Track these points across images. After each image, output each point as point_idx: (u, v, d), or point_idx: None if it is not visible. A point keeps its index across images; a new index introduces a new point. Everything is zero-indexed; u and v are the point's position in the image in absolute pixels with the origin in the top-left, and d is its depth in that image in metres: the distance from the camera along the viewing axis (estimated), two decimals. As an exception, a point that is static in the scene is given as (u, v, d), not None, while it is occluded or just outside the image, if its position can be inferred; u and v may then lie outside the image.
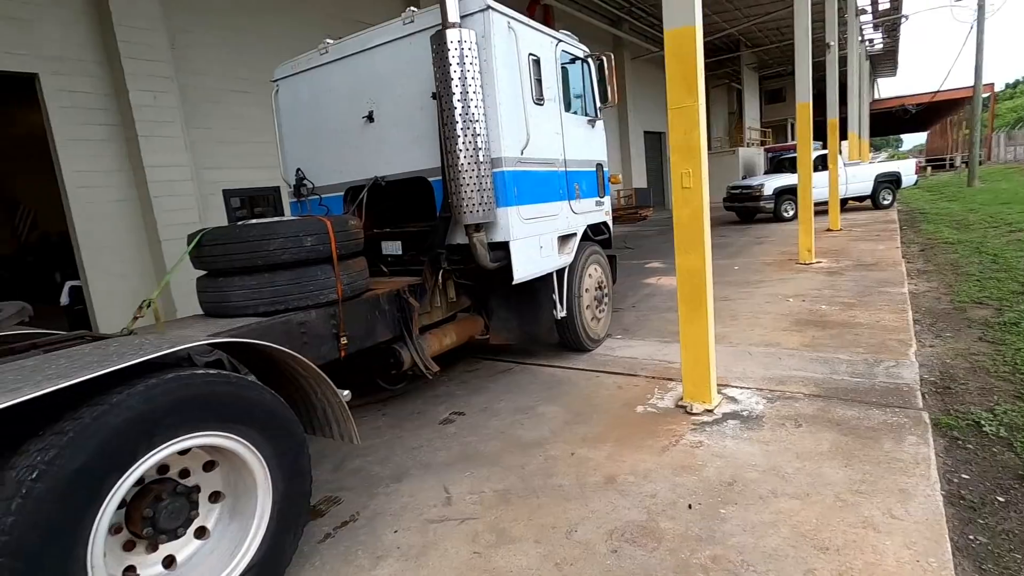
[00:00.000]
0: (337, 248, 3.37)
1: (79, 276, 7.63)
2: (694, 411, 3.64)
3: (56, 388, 1.60)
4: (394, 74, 4.07)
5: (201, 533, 2.20)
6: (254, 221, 3.31)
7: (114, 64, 7.30)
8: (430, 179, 4.04)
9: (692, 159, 3.42)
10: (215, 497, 2.24)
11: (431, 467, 3.30)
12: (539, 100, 4.16)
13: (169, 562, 2.10)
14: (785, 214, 14.68)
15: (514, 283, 3.92)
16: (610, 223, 5.50)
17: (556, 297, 4.61)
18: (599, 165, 5.18)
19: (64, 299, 7.64)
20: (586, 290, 5.00)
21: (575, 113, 4.85)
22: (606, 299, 5.40)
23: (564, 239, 4.67)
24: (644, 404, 3.88)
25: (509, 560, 2.38)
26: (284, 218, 3.37)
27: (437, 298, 4.33)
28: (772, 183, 14.84)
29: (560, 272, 4.67)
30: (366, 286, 3.78)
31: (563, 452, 3.31)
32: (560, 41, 4.54)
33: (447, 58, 3.46)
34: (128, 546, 2.00)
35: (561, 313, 4.67)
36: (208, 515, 2.22)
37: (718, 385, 4.03)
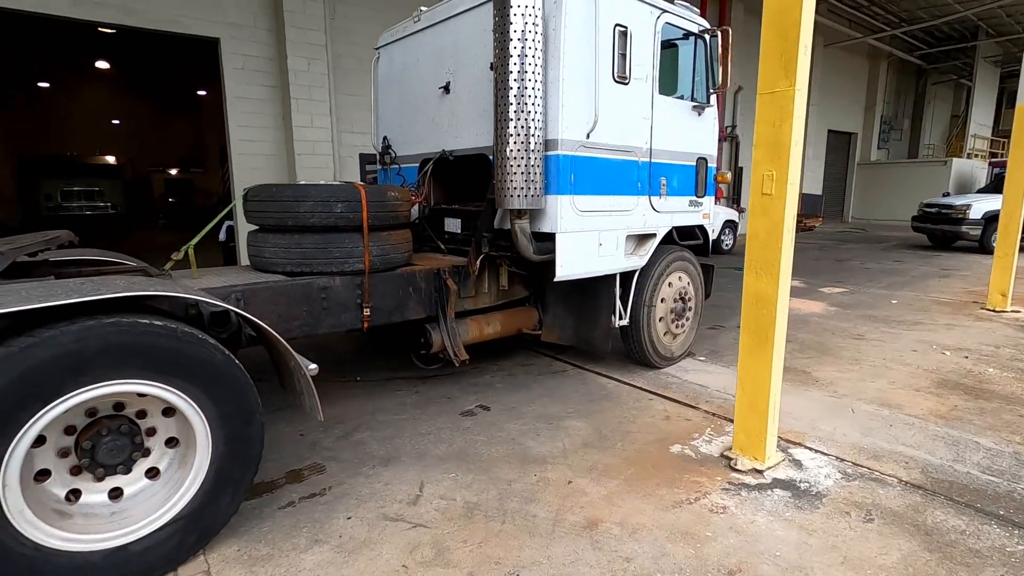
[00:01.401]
0: (370, 218, 3.30)
1: (234, 218, 8.76)
2: (738, 466, 2.99)
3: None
4: (471, 43, 3.86)
5: (154, 474, 2.29)
6: (292, 183, 3.37)
7: (279, 32, 8.11)
8: (490, 157, 3.79)
9: (779, 159, 2.71)
10: (172, 443, 2.31)
11: (424, 458, 3.13)
12: (621, 78, 3.65)
13: (117, 494, 2.22)
14: (995, 245, 11.76)
15: (555, 280, 3.54)
16: (710, 227, 4.76)
17: (618, 303, 4.11)
18: (702, 160, 4.47)
19: (222, 236, 8.88)
20: (661, 300, 4.40)
21: (679, 97, 4.21)
22: (689, 313, 4.71)
23: (638, 239, 4.13)
24: (684, 444, 3.30)
25: (431, 585, 2.13)
26: (320, 182, 3.38)
27: (485, 284, 4.11)
28: (983, 205, 11.94)
29: (628, 275, 4.15)
30: (405, 259, 3.69)
31: (561, 477, 2.92)
32: (664, 12, 3.94)
33: (507, 26, 3.15)
34: (75, 471, 2.13)
35: (621, 322, 4.16)
36: (162, 458, 2.29)
37: (785, 441, 3.28)
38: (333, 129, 8.70)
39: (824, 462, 3.08)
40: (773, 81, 2.68)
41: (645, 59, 3.83)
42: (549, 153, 3.39)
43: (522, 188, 3.30)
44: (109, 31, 7.85)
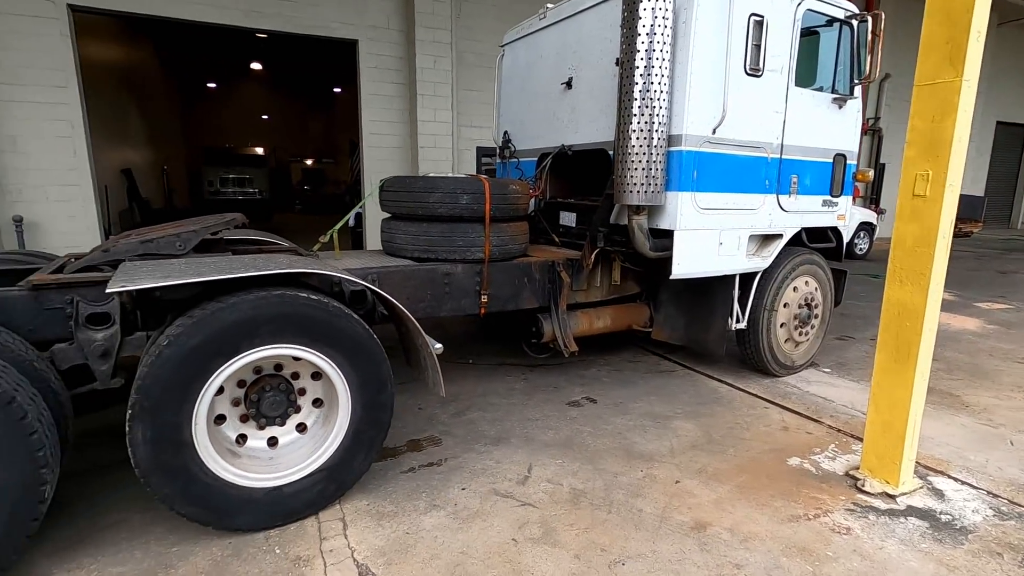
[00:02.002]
0: (492, 210, 3.47)
1: (363, 206, 9.50)
2: (867, 488, 2.78)
3: (193, 280, 2.07)
4: (594, 39, 3.89)
5: (302, 429, 2.62)
6: (423, 175, 3.62)
7: (409, 33, 8.63)
8: (610, 152, 3.81)
9: (937, 158, 2.46)
10: (318, 403, 2.63)
11: (531, 443, 3.26)
12: (754, 70, 3.49)
13: (274, 442, 2.57)
14: None
15: (671, 278, 3.49)
16: (845, 230, 4.40)
17: (736, 305, 3.96)
18: (840, 156, 4.14)
19: (351, 222, 9.68)
20: (784, 305, 4.16)
21: (817, 89, 3.93)
22: (815, 321, 4.40)
23: (762, 239, 3.93)
24: (804, 457, 3.12)
25: (538, 561, 2.24)
26: (448, 175, 3.60)
27: (598, 278, 4.14)
28: None
29: (748, 276, 3.97)
30: (521, 251, 3.83)
31: (668, 476, 2.90)
32: (806, -2, 3.68)
33: (635, 21, 3.13)
34: (244, 419, 2.50)
35: (738, 325, 4.00)
36: (309, 416, 2.62)
37: (925, 468, 3.00)
38: (453, 123, 9.12)
39: (972, 495, 2.77)
40: (935, 71, 2.43)
41: (781, 49, 3.62)
42: (672, 149, 3.34)
43: (642, 184, 3.28)
44: (263, 36, 8.81)
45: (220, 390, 2.36)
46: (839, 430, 3.48)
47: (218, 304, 2.18)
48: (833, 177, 4.13)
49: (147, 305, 2.54)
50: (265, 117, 23.98)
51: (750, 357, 4.25)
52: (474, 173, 3.64)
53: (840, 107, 4.03)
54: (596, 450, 3.18)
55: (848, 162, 4.19)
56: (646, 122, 3.21)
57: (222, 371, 2.21)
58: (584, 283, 4.05)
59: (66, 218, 7.14)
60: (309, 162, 26.15)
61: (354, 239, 9.52)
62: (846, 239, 4.57)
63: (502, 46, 5.10)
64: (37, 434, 1.89)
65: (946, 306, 6.75)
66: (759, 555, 2.29)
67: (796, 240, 4.13)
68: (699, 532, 2.44)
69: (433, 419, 3.57)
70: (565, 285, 3.84)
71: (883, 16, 3.70)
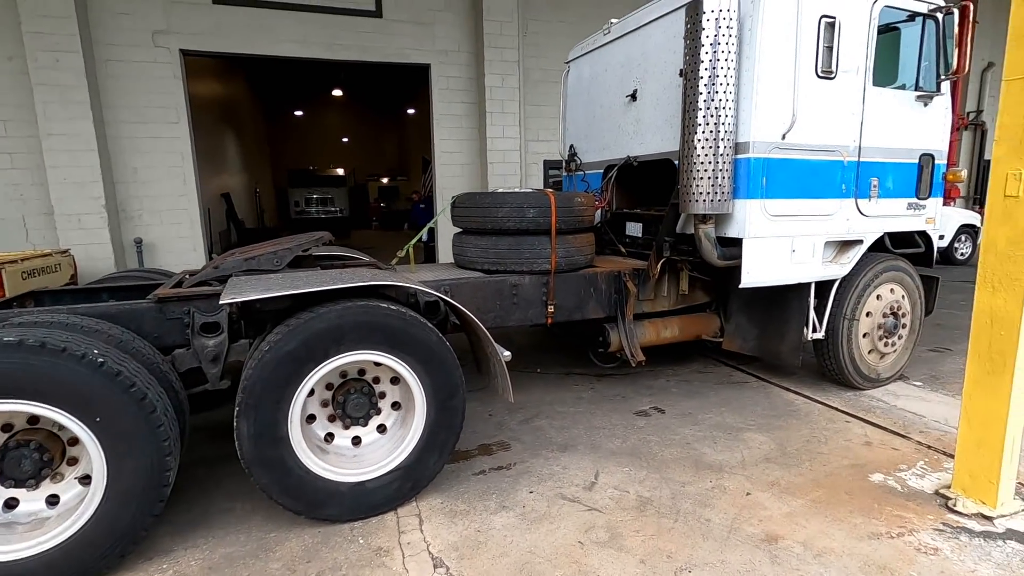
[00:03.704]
0: (558, 222, 3.59)
1: (435, 221, 9.91)
2: (959, 508, 2.61)
3: (289, 293, 2.33)
4: (659, 51, 3.92)
5: (382, 430, 2.83)
6: (491, 191, 3.80)
7: (479, 54, 8.96)
8: (675, 161, 3.82)
9: (1030, 155, 2.32)
10: (396, 406, 2.83)
11: (598, 450, 3.31)
12: (826, 72, 3.40)
13: (357, 441, 2.80)
14: None
15: (740, 287, 3.44)
16: (935, 234, 4.13)
17: (812, 314, 3.82)
18: (927, 156, 3.91)
19: (424, 236, 10.12)
20: (867, 314, 3.96)
21: (898, 87, 3.76)
22: (903, 331, 4.15)
23: (839, 245, 3.79)
24: (888, 474, 2.97)
25: (604, 565, 2.29)
26: (517, 190, 3.75)
27: (665, 288, 4.13)
28: None
29: (826, 284, 3.82)
30: (587, 262, 3.91)
31: (738, 487, 2.86)
32: (884, -7, 3.55)
33: (698, 31, 3.16)
34: (331, 419, 2.74)
35: (815, 335, 3.85)
36: (388, 417, 2.83)
37: (1028, 489, 2.77)
38: (521, 138, 9.33)
39: (1085, 521, 2.53)
40: (1025, 65, 2.30)
41: (856, 49, 3.50)
42: (739, 156, 3.32)
43: (708, 192, 3.28)
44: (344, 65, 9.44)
45: (311, 392, 2.61)
46: (929, 446, 3.27)
47: (310, 314, 2.42)
48: (919, 178, 3.90)
49: (249, 316, 2.85)
50: (345, 140, 25.50)
51: (829, 369, 4.07)
52: (541, 187, 3.76)
53: (926, 105, 3.82)
54: (663, 459, 3.19)
55: (936, 162, 3.95)
56: (711, 131, 3.21)
57: (314, 374, 2.45)
58: (651, 293, 4.06)
59: (177, 239, 7.98)
60: (385, 180, 27.47)
61: (427, 253, 9.93)
62: (944, 243, 4.29)
63: (567, 62, 5.23)
64: (164, 426, 2.19)
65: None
66: (834, 571, 2.23)
67: (879, 246, 3.94)
68: (770, 544, 2.40)
69: (502, 425, 3.70)
70: (631, 295, 3.87)
71: (971, 6, 3.50)
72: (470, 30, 9.03)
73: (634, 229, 4.44)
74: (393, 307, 2.56)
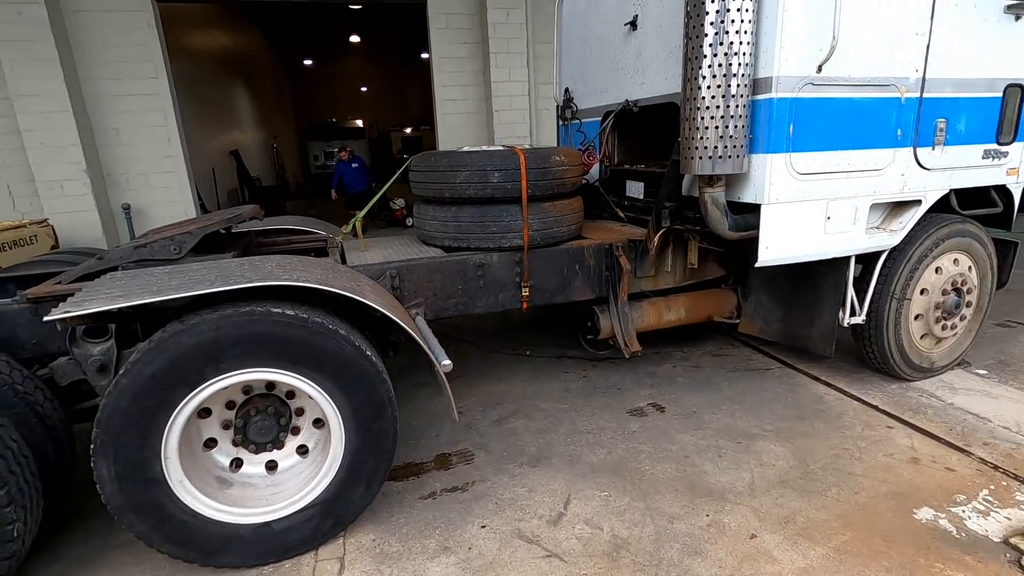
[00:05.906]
0: (529, 188, 2.93)
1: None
2: (1036, 568, 1.97)
3: (137, 303, 1.81)
4: (663, -39, 3.08)
5: (303, 451, 2.35)
6: (449, 150, 3.13)
7: (479, -15, 7.98)
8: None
9: None
10: (318, 423, 2.33)
11: (576, 464, 2.77)
12: (882, -24, 2.53)
13: (274, 466, 2.33)
14: None
15: (757, 265, 2.73)
16: (1017, 187, 3.27)
17: (851, 292, 3.09)
18: (1015, 88, 3.00)
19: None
20: (921, 292, 3.20)
21: (980, -6, 2.84)
22: (966, 310, 3.37)
23: (890, 208, 3.01)
24: (940, 509, 2.33)
25: (551, 645, 1.79)
26: (477, 148, 3.08)
27: (668, 262, 3.45)
28: None
29: (870, 256, 3.07)
30: (571, 233, 3.26)
31: (741, 525, 2.28)
32: None
33: (705, -75, 2.34)
34: (235, 442, 2.27)
35: (853, 319, 3.13)
36: (310, 437, 2.35)
37: None
38: (530, 81, 8.43)
39: None
40: None
41: (927, -57, 2.60)
42: (758, 97, 2.54)
43: (716, 146, 2.54)
44: (357, 7, 8.59)
45: (205, 412, 2.13)
46: (996, 466, 2.58)
47: (179, 325, 1.90)
48: (1003, 117, 3.02)
49: (146, 315, 2.35)
50: (364, 89, 24.57)
51: (872, 355, 3.36)
52: (517, 145, 3.07)
53: (1017, 18, 2.89)
54: (652, 480, 2.62)
55: (1027, 94, 3.05)
56: (720, 64, 2.44)
57: (190, 400, 1.95)
58: (651, 268, 3.39)
59: (167, 203, 7.60)
60: (408, 131, 26.56)
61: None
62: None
63: (561, -14, 4.37)
64: (-9, 477, 1.75)
65: None
66: (859, 670, 1.66)
67: (943, 205, 3.12)
68: (774, 620, 1.84)
69: (471, 427, 3.19)
70: (625, 272, 3.21)
71: None
72: (468, -41, 8.03)
73: (635, 189, 3.71)
74: (290, 312, 2.00)
